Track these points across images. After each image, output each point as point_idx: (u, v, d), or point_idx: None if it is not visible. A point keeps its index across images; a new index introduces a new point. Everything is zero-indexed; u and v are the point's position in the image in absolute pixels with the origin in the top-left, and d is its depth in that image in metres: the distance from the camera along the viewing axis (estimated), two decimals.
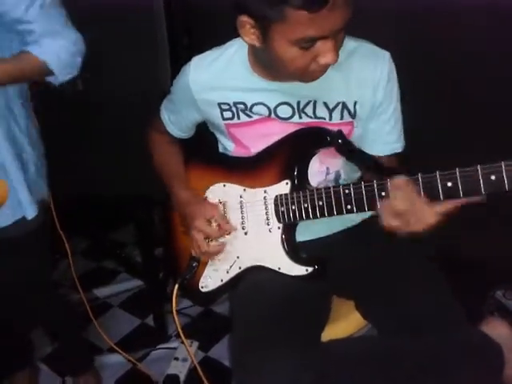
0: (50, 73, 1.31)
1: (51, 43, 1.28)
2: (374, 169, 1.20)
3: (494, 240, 1.94)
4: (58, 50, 1.30)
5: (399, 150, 1.31)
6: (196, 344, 2.03)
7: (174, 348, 2.05)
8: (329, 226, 1.32)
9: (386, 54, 1.22)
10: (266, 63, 1.17)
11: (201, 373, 1.40)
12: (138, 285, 2.41)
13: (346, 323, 1.32)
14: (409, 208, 1.03)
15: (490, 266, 1.92)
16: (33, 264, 1.53)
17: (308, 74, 1.11)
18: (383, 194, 1.08)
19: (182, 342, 2.04)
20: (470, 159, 0.99)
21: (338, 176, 1.32)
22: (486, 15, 1.74)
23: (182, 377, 1.91)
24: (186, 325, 1.49)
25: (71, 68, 1.34)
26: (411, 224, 1.04)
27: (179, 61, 2.12)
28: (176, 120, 1.41)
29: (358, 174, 1.36)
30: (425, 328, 1.13)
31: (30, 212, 1.40)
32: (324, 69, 1.11)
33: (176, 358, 1.98)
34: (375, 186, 1.09)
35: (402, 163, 1.33)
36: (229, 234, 1.29)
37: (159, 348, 2.08)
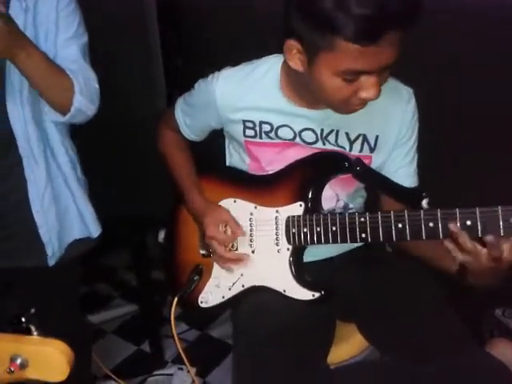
0: (69, 98, 1.26)
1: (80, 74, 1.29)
2: (397, 192, 1.20)
3: None
4: (85, 81, 1.29)
5: (416, 184, 1.30)
6: (193, 370, 1.99)
7: (171, 374, 2.01)
8: (333, 248, 1.29)
9: (410, 91, 1.24)
10: (302, 87, 1.16)
11: None
12: (133, 310, 2.36)
13: (348, 345, 1.31)
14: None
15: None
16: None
17: (346, 107, 1.10)
18: (399, 225, 1.07)
19: (180, 368, 2.00)
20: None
21: (346, 205, 1.31)
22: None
23: None
24: (182, 350, 1.49)
25: (91, 103, 1.31)
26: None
27: (174, 81, 2.12)
28: (191, 124, 1.38)
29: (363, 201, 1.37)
30: (429, 351, 1.11)
31: (95, 230, 1.43)
32: (363, 103, 1.09)
33: None
34: (392, 217, 1.07)
35: None
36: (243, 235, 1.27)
37: (156, 374, 2.04)
